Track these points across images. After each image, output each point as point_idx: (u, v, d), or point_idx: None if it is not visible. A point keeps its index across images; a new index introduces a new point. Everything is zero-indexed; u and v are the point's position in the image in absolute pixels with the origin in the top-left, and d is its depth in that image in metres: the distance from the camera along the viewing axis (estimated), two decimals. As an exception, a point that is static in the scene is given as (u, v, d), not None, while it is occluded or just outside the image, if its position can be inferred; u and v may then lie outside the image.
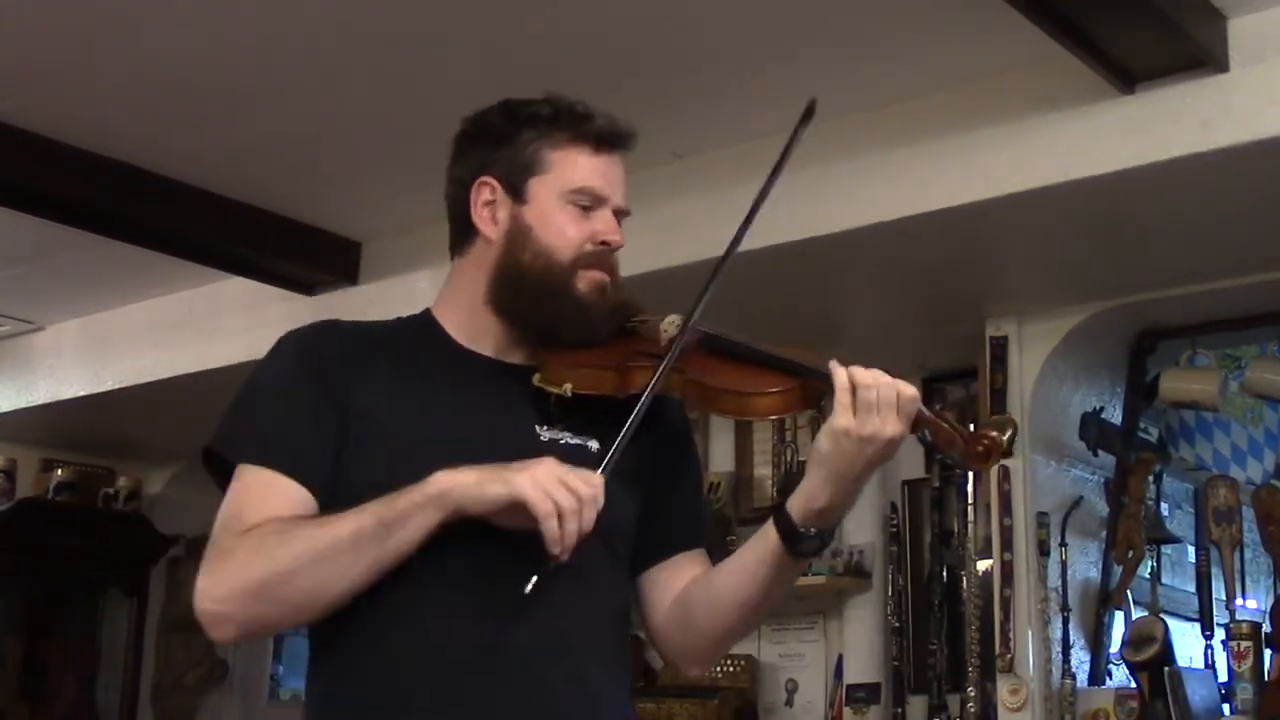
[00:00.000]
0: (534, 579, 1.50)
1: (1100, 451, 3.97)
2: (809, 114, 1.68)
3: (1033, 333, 3.91)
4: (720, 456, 4.66)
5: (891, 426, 1.54)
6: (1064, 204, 3.14)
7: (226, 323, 4.54)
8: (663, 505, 1.74)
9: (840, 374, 1.56)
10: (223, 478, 1.63)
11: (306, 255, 4.23)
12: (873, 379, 1.55)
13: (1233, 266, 3.52)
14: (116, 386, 4.85)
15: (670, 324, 1.67)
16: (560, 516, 1.47)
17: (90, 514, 5.62)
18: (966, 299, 3.87)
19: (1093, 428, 3.94)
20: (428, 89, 3.27)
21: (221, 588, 1.52)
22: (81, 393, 4.97)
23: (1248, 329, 3.90)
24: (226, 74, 3.25)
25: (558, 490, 1.48)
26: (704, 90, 3.25)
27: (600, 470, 1.54)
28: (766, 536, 1.62)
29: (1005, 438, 1.55)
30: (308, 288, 4.34)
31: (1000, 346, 3.93)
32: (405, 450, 1.60)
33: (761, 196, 1.68)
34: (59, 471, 5.63)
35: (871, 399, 1.53)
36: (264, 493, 1.58)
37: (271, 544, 1.52)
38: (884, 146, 3.28)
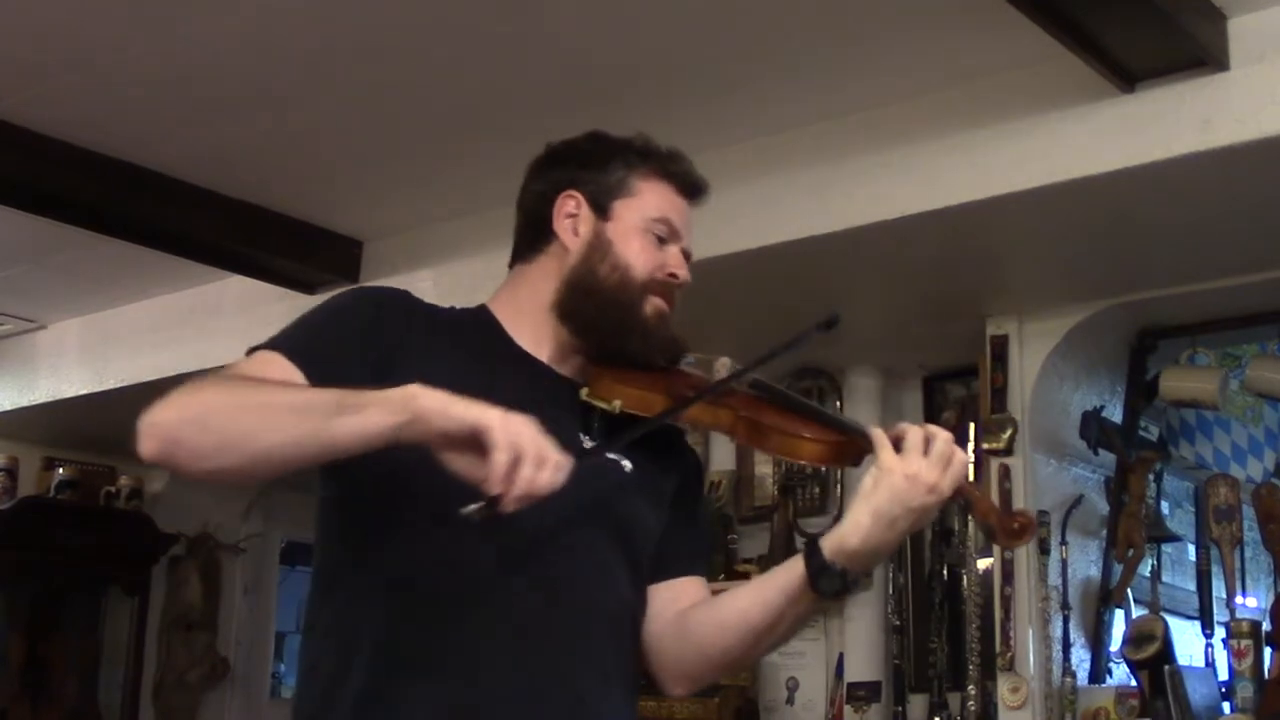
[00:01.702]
0: (479, 505, 1.41)
1: (1101, 450, 3.98)
2: (829, 325, 1.70)
3: (1033, 331, 3.91)
4: (721, 455, 4.65)
5: (935, 474, 1.58)
6: (1064, 204, 3.14)
7: (228, 321, 4.55)
8: (679, 530, 1.79)
9: (879, 431, 1.63)
10: None
11: (307, 254, 4.24)
12: (929, 430, 1.62)
13: (1233, 266, 3.52)
14: (118, 385, 4.85)
15: (723, 365, 1.73)
16: (517, 460, 1.39)
17: (92, 512, 5.63)
18: (967, 298, 3.87)
19: (1093, 426, 3.94)
20: (428, 89, 3.28)
21: (169, 406, 1.48)
22: (83, 391, 4.99)
23: (1248, 328, 3.90)
24: (227, 74, 3.25)
25: (525, 438, 1.40)
26: (704, 90, 3.24)
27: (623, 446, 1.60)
28: (791, 567, 1.65)
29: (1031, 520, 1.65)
30: (309, 286, 4.34)
31: (1001, 345, 3.93)
32: None
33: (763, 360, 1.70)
34: (61, 470, 5.64)
35: (917, 442, 1.59)
36: (265, 368, 1.58)
37: (232, 382, 1.53)
38: (884, 146, 3.28)
